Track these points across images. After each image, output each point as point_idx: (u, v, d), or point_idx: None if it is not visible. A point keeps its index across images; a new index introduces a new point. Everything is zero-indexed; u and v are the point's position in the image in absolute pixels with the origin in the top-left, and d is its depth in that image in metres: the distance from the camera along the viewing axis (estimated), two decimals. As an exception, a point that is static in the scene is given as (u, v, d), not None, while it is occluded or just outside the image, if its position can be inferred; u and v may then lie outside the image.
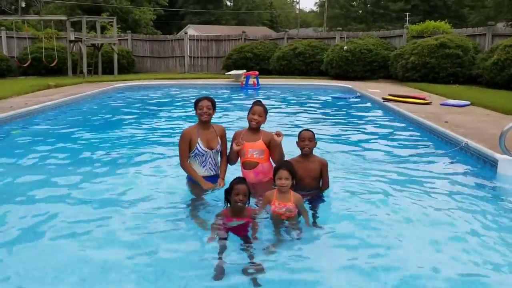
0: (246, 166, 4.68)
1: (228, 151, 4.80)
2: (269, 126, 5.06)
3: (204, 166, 4.73)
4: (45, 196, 4.76)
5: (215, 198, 4.42)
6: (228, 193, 3.80)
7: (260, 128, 4.72)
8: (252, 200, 4.35)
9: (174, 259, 3.44)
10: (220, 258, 3.35)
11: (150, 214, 4.24)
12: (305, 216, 3.95)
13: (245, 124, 4.74)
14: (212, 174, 4.78)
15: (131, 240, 3.72)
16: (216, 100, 4.80)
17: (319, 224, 4.02)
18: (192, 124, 4.89)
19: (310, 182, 4.47)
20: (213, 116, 4.76)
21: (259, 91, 15.87)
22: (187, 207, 4.43)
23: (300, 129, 4.68)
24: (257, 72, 17.30)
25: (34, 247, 3.61)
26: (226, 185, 4.09)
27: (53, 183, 5.22)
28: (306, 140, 4.43)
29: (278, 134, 4.47)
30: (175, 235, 3.84)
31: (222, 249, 3.49)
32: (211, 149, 4.70)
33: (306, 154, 4.48)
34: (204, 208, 4.34)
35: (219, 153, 4.83)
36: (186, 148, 4.66)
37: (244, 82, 16.60)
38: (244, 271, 3.21)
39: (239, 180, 3.79)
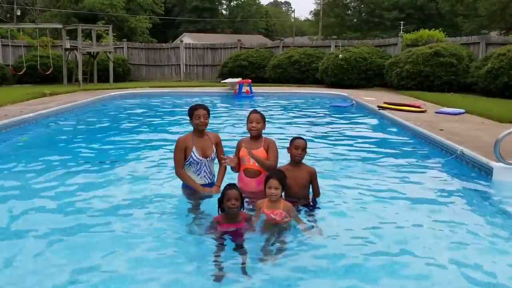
0: (247, 173, 4.63)
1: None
2: (264, 134, 5.03)
3: (198, 175, 4.72)
4: (40, 203, 4.73)
5: (212, 205, 4.40)
6: (221, 201, 3.83)
7: (263, 135, 4.72)
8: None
9: (170, 266, 3.42)
10: (218, 266, 3.37)
11: (145, 222, 4.22)
12: (299, 222, 3.95)
13: (239, 130, 4.74)
14: (207, 182, 4.77)
15: (126, 249, 3.69)
16: (210, 108, 4.81)
17: (311, 231, 4.01)
18: (187, 132, 4.88)
19: (298, 191, 4.44)
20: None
21: (253, 99, 15.91)
22: (184, 215, 4.41)
23: (292, 136, 4.67)
24: (250, 80, 17.35)
25: (30, 255, 3.58)
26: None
27: (48, 191, 5.19)
28: (300, 149, 4.41)
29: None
30: (172, 243, 3.82)
31: (219, 253, 3.53)
32: (206, 158, 4.69)
33: (297, 162, 4.47)
34: (201, 215, 4.34)
35: (214, 161, 4.82)
36: (181, 156, 4.65)
37: (237, 90, 16.63)
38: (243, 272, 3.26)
39: (229, 187, 3.84)
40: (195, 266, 3.41)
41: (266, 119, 4.78)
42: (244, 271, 3.29)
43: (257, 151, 4.57)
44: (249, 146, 4.60)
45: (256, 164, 4.55)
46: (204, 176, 4.75)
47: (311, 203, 4.51)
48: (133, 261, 3.49)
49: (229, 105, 14.29)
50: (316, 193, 4.56)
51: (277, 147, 4.68)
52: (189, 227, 4.11)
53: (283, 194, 4.46)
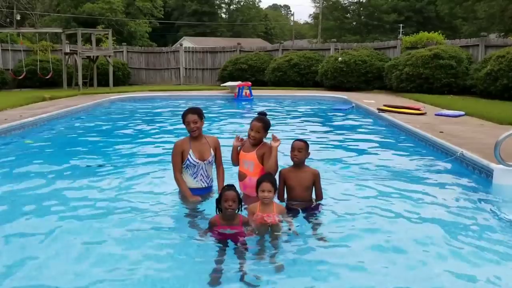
0: (238, 175, 4.74)
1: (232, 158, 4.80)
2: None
3: (195, 178, 4.71)
4: (40, 208, 4.71)
5: (210, 207, 4.39)
6: (218, 201, 3.83)
7: (264, 140, 4.71)
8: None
9: (170, 268, 3.41)
10: (217, 264, 3.38)
11: (142, 224, 4.21)
12: (290, 226, 3.95)
13: (239, 133, 4.75)
14: (204, 186, 4.75)
15: (124, 251, 3.68)
16: (209, 111, 4.80)
17: (312, 232, 4.03)
18: (187, 135, 4.89)
19: (301, 192, 4.47)
20: (204, 125, 4.76)
21: (252, 102, 15.92)
22: (181, 217, 4.41)
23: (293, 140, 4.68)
24: (250, 83, 17.38)
25: (28, 261, 3.56)
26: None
27: (47, 195, 5.17)
28: (295, 150, 4.45)
29: (275, 139, 4.45)
30: (169, 245, 3.81)
31: (220, 255, 3.53)
32: (203, 161, 4.68)
33: (297, 164, 4.49)
34: (198, 218, 4.34)
35: (212, 165, 4.82)
36: (179, 160, 4.66)
37: (237, 93, 16.66)
38: (241, 277, 3.23)
39: (228, 188, 3.83)
40: (192, 268, 3.40)
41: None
42: (242, 278, 3.24)
43: (248, 154, 4.60)
44: (244, 147, 4.67)
45: (245, 167, 4.61)
46: (201, 179, 4.73)
47: (313, 205, 4.52)
48: (131, 263, 3.47)
49: (229, 108, 14.29)
50: (319, 195, 4.58)
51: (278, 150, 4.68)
52: (186, 229, 4.10)
53: (285, 196, 4.52)
